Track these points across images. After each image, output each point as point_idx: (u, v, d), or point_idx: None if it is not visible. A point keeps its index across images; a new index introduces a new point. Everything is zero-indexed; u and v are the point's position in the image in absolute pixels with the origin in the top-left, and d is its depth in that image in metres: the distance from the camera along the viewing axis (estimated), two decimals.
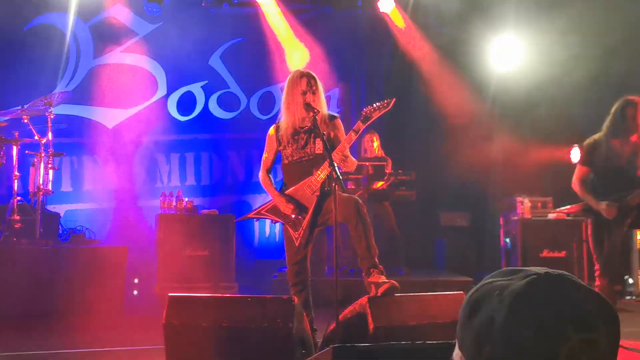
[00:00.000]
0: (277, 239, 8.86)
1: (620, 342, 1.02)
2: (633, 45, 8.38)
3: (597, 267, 5.27)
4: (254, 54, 9.43)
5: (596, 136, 5.32)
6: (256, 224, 9.07)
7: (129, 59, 9.12)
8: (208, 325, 3.91)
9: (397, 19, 9.43)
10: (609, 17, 8.46)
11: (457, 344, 1.08)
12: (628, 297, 8.16)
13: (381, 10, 9.25)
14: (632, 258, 8.71)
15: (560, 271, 1.05)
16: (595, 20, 8.56)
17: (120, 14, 9.03)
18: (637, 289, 8.41)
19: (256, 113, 9.57)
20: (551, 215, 8.19)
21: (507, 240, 8.38)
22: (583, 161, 5.33)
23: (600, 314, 0.99)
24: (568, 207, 5.84)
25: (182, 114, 9.34)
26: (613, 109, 5.24)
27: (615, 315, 1.02)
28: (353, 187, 7.74)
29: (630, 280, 8.43)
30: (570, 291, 1.01)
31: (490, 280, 1.08)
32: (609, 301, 1.02)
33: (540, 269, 1.05)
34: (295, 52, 9.34)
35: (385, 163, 7.52)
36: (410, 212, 8.35)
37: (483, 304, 1.04)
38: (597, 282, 5.29)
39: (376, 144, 7.96)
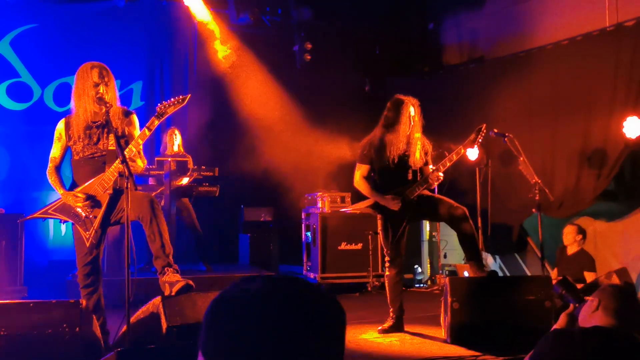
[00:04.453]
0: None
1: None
2: None
3: (387, 258, 5.54)
4: (50, 42, 8.84)
5: (372, 134, 5.57)
6: (51, 222, 8.51)
7: None
8: None
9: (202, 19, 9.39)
10: None
11: (199, 350, 1.09)
12: (417, 285, 8.80)
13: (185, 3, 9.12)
14: (421, 248, 9.41)
15: (294, 277, 1.10)
16: None
17: None
18: (425, 276, 9.11)
19: (52, 105, 8.99)
20: (348, 210, 8.58)
21: (308, 234, 8.65)
22: (362, 159, 5.52)
23: (327, 317, 1.05)
24: (358, 204, 6.09)
25: None
26: (387, 107, 5.52)
27: (340, 320, 1.07)
28: (154, 183, 7.56)
29: (419, 269, 9.11)
30: (300, 296, 1.05)
31: (237, 287, 1.11)
32: (339, 305, 1.08)
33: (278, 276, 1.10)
34: (96, 40, 8.89)
35: (186, 159, 7.42)
36: (214, 208, 8.33)
37: (227, 310, 1.06)
38: (387, 272, 5.54)
39: (178, 140, 7.80)
